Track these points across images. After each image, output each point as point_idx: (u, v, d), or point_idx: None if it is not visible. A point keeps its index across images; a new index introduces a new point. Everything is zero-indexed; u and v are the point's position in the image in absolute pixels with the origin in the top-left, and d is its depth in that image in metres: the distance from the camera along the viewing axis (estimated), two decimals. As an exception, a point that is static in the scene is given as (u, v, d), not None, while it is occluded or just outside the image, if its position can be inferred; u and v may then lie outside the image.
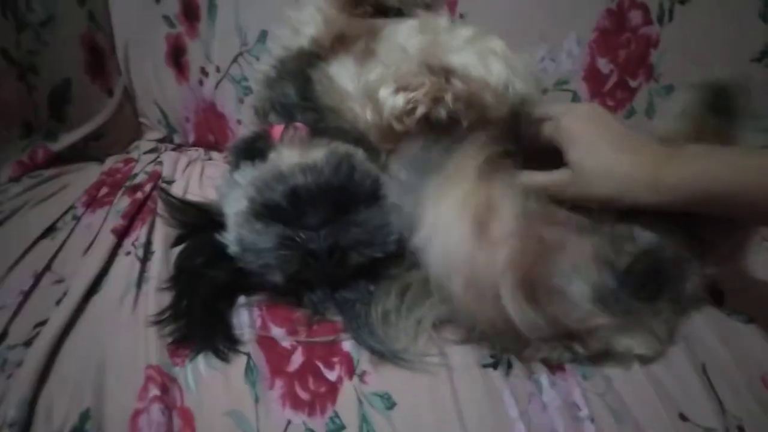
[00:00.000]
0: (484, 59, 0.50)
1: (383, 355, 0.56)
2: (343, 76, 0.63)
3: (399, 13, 0.68)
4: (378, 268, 0.59)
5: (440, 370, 0.56)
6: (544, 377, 0.57)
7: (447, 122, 0.52)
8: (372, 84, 0.54)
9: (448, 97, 0.50)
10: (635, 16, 0.95)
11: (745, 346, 0.60)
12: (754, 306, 0.64)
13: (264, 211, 0.57)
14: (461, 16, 0.92)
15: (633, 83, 0.97)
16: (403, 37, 0.54)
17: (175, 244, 0.64)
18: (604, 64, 0.96)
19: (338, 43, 0.64)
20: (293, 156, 0.58)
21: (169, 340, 0.56)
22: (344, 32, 0.64)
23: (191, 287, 0.60)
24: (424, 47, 0.52)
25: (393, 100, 0.52)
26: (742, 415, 0.55)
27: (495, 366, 0.58)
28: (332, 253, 0.56)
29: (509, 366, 0.58)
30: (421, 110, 0.51)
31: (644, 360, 0.58)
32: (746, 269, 0.68)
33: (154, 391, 0.52)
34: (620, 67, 0.96)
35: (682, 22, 0.95)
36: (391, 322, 0.58)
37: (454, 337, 0.58)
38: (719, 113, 0.61)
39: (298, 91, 0.65)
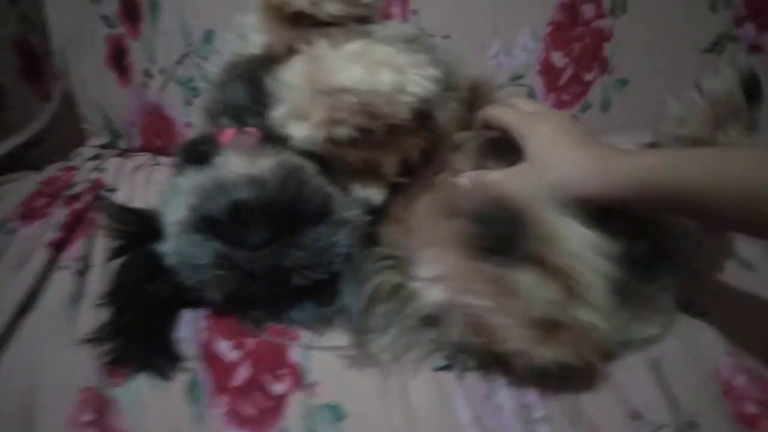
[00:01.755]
0: (371, 71, 0.50)
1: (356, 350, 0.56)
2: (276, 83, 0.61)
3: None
4: (324, 286, 0.57)
5: (391, 376, 0.55)
6: (499, 378, 0.56)
7: (363, 137, 0.52)
8: (278, 122, 0.54)
9: (344, 116, 0.50)
10: (588, 9, 0.95)
11: (697, 340, 0.60)
12: (708, 298, 0.64)
13: (202, 224, 0.53)
14: (413, 12, 0.91)
15: (587, 77, 0.97)
16: (292, 72, 0.54)
17: (115, 256, 0.61)
18: (558, 58, 0.96)
19: (291, 52, 0.62)
20: (240, 164, 0.55)
21: (106, 359, 0.53)
22: (291, 40, 0.63)
23: (130, 302, 0.57)
24: (311, 76, 0.52)
25: (298, 133, 0.52)
26: (694, 410, 0.54)
27: (448, 368, 0.57)
28: (273, 275, 0.53)
29: (463, 368, 0.56)
30: (319, 135, 0.51)
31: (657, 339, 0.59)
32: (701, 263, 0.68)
33: (88, 416, 0.49)
34: (575, 60, 0.96)
35: (634, 15, 0.96)
36: (383, 328, 0.57)
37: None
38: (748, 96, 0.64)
39: (249, 95, 0.62)
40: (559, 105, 0.97)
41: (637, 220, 0.58)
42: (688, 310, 0.63)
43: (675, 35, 0.98)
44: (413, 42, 0.64)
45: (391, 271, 0.58)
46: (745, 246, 0.72)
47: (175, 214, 0.56)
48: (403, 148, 0.56)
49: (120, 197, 0.78)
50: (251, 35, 0.68)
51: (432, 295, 0.55)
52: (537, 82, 0.96)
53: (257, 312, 0.58)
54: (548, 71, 0.96)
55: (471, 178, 0.61)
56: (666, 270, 0.60)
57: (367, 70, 0.50)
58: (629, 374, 0.57)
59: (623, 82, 0.98)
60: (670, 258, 0.60)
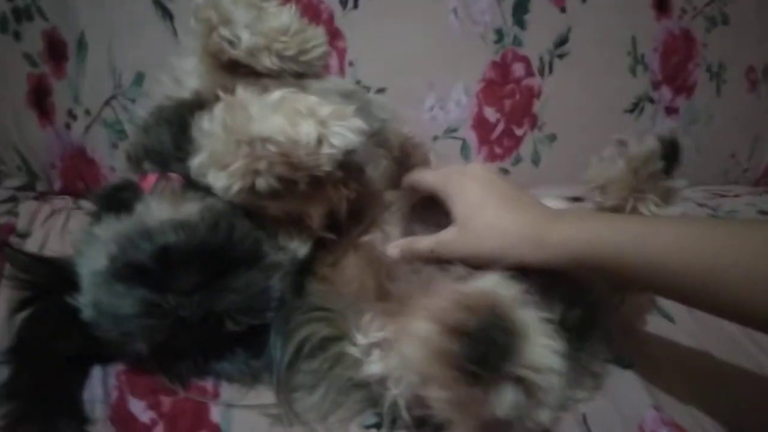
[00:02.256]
0: (291, 120, 0.49)
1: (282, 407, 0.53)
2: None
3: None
4: (255, 336, 0.54)
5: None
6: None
7: (284, 188, 0.50)
8: (198, 171, 0.52)
9: (263, 166, 0.48)
10: (518, 69, 0.99)
11: (624, 393, 0.61)
12: (633, 350, 0.65)
13: (126, 273, 0.50)
14: (350, 63, 0.92)
15: (518, 131, 1.01)
16: (212, 119, 0.52)
17: (19, 308, 0.55)
18: (491, 113, 1.00)
19: (217, 99, 0.60)
20: (163, 210, 0.53)
21: (3, 423, 0.48)
22: (224, 89, 0.62)
23: (33, 360, 0.52)
24: (232, 124, 0.50)
25: (216, 183, 0.50)
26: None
27: (378, 427, 0.54)
28: (206, 322, 0.50)
29: (394, 425, 0.54)
30: (238, 185, 0.49)
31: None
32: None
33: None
34: (506, 116, 1.00)
35: (561, 75, 1.01)
36: (311, 385, 0.55)
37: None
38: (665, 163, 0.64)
39: (173, 139, 0.60)
40: (492, 158, 1.00)
41: (565, 281, 0.57)
42: (615, 363, 0.64)
43: (598, 95, 1.03)
44: (349, 97, 0.65)
45: (319, 324, 0.56)
46: (664, 299, 0.74)
47: (91, 264, 0.53)
48: (328, 200, 0.55)
49: (31, 244, 0.73)
50: (185, 79, 0.66)
51: (371, 364, 0.53)
52: (470, 136, 0.99)
53: (180, 366, 0.54)
54: (481, 125, 0.99)
55: (401, 247, 0.60)
56: (596, 333, 0.60)
57: (288, 119, 0.49)
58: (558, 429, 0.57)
59: (552, 138, 1.02)
60: (597, 318, 0.60)
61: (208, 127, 0.51)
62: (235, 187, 0.49)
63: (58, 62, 0.83)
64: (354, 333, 0.54)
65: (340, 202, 0.55)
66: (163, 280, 0.49)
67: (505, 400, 0.46)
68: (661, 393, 0.61)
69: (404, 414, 0.52)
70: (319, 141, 0.49)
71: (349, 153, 0.50)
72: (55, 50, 0.83)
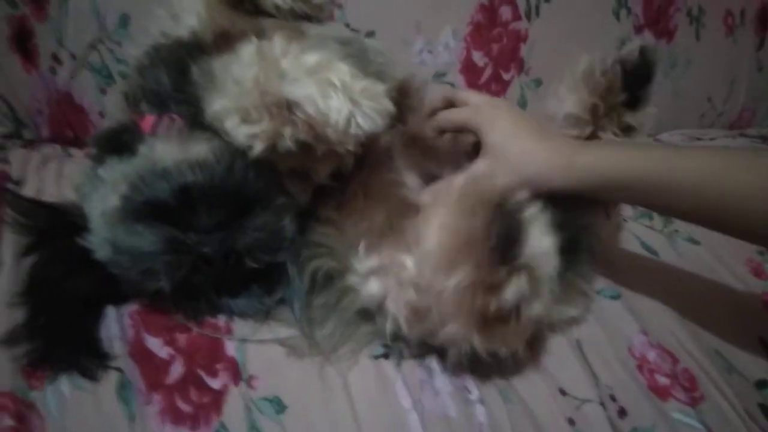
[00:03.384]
0: (324, 92, 0.48)
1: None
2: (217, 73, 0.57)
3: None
4: (267, 273, 0.56)
5: (330, 367, 0.55)
6: (434, 363, 0.58)
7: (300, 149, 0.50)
8: (216, 114, 0.51)
9: (288, 132, 0.48)
10: (506, 12, 1.00)
11: (613, 320, 0.65)
12: (620, 281, 0.69)
13: (147, 211, 0.51)
14: (339, 6, 0.91)
15: (506, 76, 1.02)
16: (241, 65, 0.51)
17: (27, 252, 0.56)
18: (479, 57, 1.00)
19: (222, 40, 0.59)
20: (172, 150, 0.53)
21: (24, 361, 0.50)
22: (228, 29, 0.60)
23: (48, 300, 0.53)
24: (262, 77, 0.49)
25: (238, 133, 0.50)
26: (614, 384, 0.59)
27: (386, 356, 0.57)
28: (227, 258, 0.52)
29: (401, 355, 0.58)
30: (260, 145, 0.49)
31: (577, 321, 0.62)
32: (612, 248, 0.74)
33: (7, 422, 0.46)
34: (494, 60, 1.01)
35: (547, 19, 1.01)
36: (321, 319, 0.57)
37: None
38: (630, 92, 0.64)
39: (173, 81, 0.59)
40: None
41: (558, 206, 0.59)
42: (603, 293, 0.68)
43: (583, 39, 1.04)
44: (348, 44, 0.65)
45: (322, 258, 0.58)
46: (648, 234, 0.78)
47: (100, 204, 0.53)
48: (338, 160, 0.55)
49: (27, 191, 0.72)
50: (184, 15, 0.64)
51: (369, 288, 0.55)
52: (459, 80, 0.99)
53: (194, 304, 0.55)
54: (469, 69, 1.00)
55: (435, 192, 0.61)
56: (583, 256, 0.64)
57: (321, 89, 0.48)
58: (554, 354, 0.61)
59: (538, 82, 1.04)
60: (585, 240, 0.63)
61: (238, 74, 0.50)
62: (258, 146, 0.49)
63: (39, 3, 0.80)
64: (353, 263, 0.56)
65: (348, 160, 0.55)
66: (184, 218, 0.50)
67: (520, 284, 0.50)
68: (647, 320, 0.65)
69: (405, 332, 0.54)
70: (348, 120, 0.48)
71: (371, 134, 0.50)
72: (35, -11, 0.80)
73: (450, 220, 0.53)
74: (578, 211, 0.61)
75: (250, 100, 0.49)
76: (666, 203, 0.55)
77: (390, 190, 0.61)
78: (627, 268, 0.72)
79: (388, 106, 0.50)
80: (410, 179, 0.64)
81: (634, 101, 0.64)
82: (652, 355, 0.62)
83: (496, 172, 0.58)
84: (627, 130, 0.65)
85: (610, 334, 0.63)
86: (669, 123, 1.16)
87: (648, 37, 1.09)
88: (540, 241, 0.52)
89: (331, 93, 0.48)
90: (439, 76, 0.98)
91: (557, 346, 0.62)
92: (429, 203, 0.57)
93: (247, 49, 0.52)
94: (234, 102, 0.50)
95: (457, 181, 0.57)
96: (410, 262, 0.54)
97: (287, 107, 0.48)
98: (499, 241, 0.50)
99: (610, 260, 0.71)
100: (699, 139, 1.14)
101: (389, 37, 0.93)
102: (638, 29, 1.08)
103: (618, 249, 0.76)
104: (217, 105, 0.51)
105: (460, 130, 0.64)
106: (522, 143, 0.58)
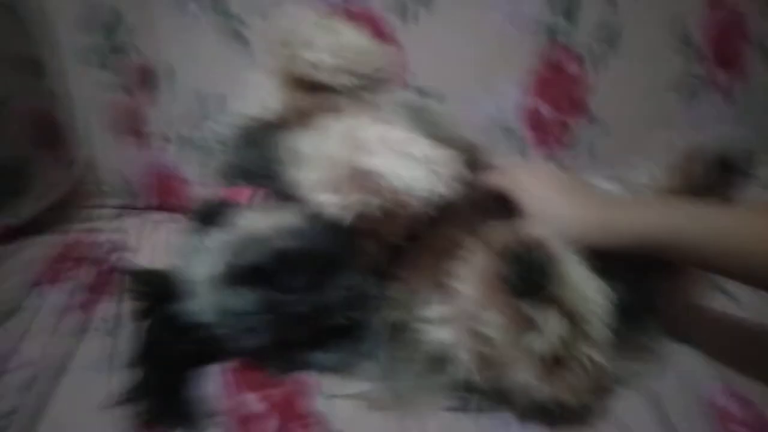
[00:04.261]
0: (407, 164, 0.53)
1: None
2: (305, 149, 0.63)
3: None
4: (351, 330, 0.60)
5: (410, 419, 0.58)
6: (509, 416, 0.60)
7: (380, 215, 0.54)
8: (307, 186, 0.56)
9: (375, 201, 0.53)
10: (570, 64, 1.02)
11: (691, 370, 0.65)
12: (698, 329, 0.69)
13: (249, 274, 0.57)
14: (411, 73, 0.96)
15: (571, 123, 1.03)
16: (332, 142, 0.56)
17: (141, 317, 0.63)
18: (544, 108, 1.02)
19: (302, 119, 0.66)
20: (267, 219, 0.59)
21: (140, 419, 0.55)
22: (307, 109, 0.67)
23: (159, 362, 0.59)
24: (351, 151, 0.54)
25: (326, 202, 0.54)
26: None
27: (464, 408, 0.60)
28: (318, 317, 0.57)
29: (477, 407, 0.60)
30: (350, 214, 0.53)
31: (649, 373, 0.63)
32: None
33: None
34: (558, 109, 1.02)
35: (611, 66, 1.02)
36: (398, 371, 0.60)
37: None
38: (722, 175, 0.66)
39: (262, 159, 0.66)
40: (548, 150, 1.03)
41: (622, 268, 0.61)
42: (681, 341, 0.67)
43: (648, 84, 1.04)
44: (418, 110, 0.70)
45: (399, 310, 0.61)
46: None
47: (204, 271, 0.60)
48: (413, 224, 0.59)
49: (141, 257, 0.82)
50: (268, 100, 0.72)
51: (440, 334, 0.58)
52: (525, 132, 1.02)
53: (286, 360, 0.61)
54: (535, 120, 1.02)
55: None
56: (649, 315, 0.64)
57: (404, 161, 0.53)
58: (629, 409, 0.61)
59: (604, 128, 1.04)
60: (651, 300, 0.64)
61: (327, 148, 0.55)
62: (348, 215, 0.54)
63: (151, 92, 0.92)
64: (421, 313, 0.59)
65: (422, 223, 0.59)
66: (282, 280, 0.56)
67: (550, 323, 0.51)
68: (728, 368, 0.64)
69: (477, 378, 0.56)
70: (427, 188, 0.53)
71: (447, 198, 0.54)
72: (147, 79, 0.91)
73: (480, 261, 0.55)
74: (645, 270, 0.62)
75: (339, 174, 0.54)
76: (708, 263, 0.55)
77: (454, 246, 0.65)
78: (704, 315, 0.71)
79: (465, 173, 0.55)
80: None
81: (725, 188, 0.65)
82: (733, 407, 0.61)
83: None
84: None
85: (689, 386, 0.63)
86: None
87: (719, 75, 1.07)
88: (571, 276, 0.53)
89: (413, 165, 0.53)
90: (505, 129, 1.01)
91: (632, 400, 0.62)
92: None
93: (337, 128, 0.57)
94: (325, 175, 0.55)
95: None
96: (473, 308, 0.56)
97: (374, 180, 0.53)
98: (518, 276, 0.52)
99: (687, 306, 0.70)
100: None
101: (458, 97, 0.97)
102: (706, 65, 1.06)
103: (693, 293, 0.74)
104: (308, 178, 0.56)
105: (499, 196, 0.66)
106: (557, 205, 0.60)
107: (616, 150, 1.03)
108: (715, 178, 0.65)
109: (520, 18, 0.98)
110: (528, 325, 0.52)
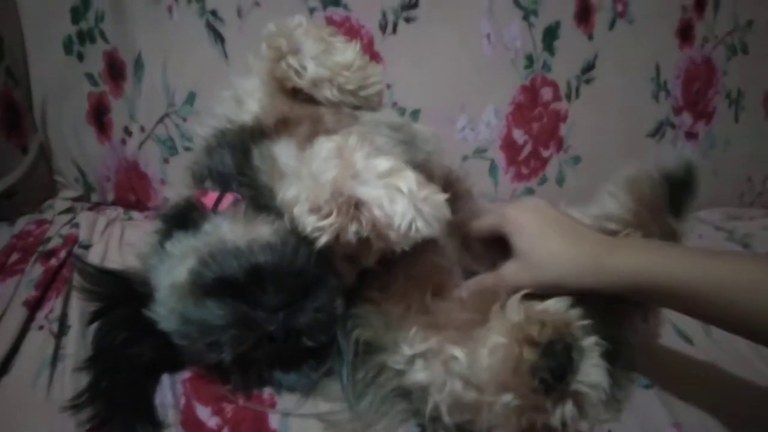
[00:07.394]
0: (392, 197, 0.51)
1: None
2: (284, 159, 0.62)
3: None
4: (317, 350, 0.59)
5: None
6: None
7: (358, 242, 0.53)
8: (288, 200, 0.54)
9: (353, 228, 0.51)
10: (546, 93, 1.04)
11: (645, 411, 0.65)
12: (653, 371, 0.69)
13: (217, 286, 0.54)
14: (388, 86, 0.96)
15: (545, 153, 1.06)
16: (320, 161, 0.54)
17: (93, 319, 0.60)
18: (519, 135, 1.04)
19: (281, 125, 0.64)
20: (239, 230, 0.57)
21: (87, 426, 0.53)
22: (287, 115, 0.65)
23: (111, 367, 0.57)
24: (337, 174, 0.52)
25: (305, 222, 0.53)
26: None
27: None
28: (288, 336, 0.55)
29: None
30: (325, 237, 0.52)
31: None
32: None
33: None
34: (533, 138, 1.04)
35: (587, 100, 1.05)
36: (359, 394, 0.59)
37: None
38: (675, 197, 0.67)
39: (236, 163, 0.64)
40: (519, 178, 1.05)
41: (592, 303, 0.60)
42: (637, 383, 0.68)
43: (622, 120, 1.08)
44: (398, 130, 0.69)
45: (365, 329, 0.60)
46: (684, 321, 0.79)
47: (168, 277, 0.57)
48: (388, 250, 0.56)
49: (93, 254, 0.78)
50: (247, 101, 0.70)
51: (415, 371, 0.57)
52: (499, 156, 1.03)
53: (245, 376, 0.58)
54: (509, 146, 1.04)
55: (470, 288, 0.63)
56: (621, 363, 0.63)
57: (390, 194, 0.51)
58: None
59: (576, 160, 1.07)
60: (623, 349, 0.63)
61: (315, 167, 0.54)
62: (324, 238, 0.52)
63: (117, 82, 0.88)
64: (398, 345, 0.58)
65: (397, 251, 0.57)
66: (253, 296, 0.54)
67: (565, 411, 0.51)
68: (681, 411, 0.65)
69: (446, 418, 0.56)
70: (409, 225, 0.51)
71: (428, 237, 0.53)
72: (115, 70, 0.88)
73: (503, 345, 0.53)
74: (616, 317, 0.62)
75: (322, 194, 0.52)
76: (698, 309, 0.56)
77: (430, 273, 0.64)
78: (660, 356, 0.72)
79: (448, 214, 0.53)
80: (450, 264, 0.67)
81: (678, 209, 0.66)
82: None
83: (523, 273, 0.59)
84: (670, 236, 0.66)
85: (642, 426, 0.63)
86: (708, 201, 1.16)
87: (686, 119, 1.11)
88: (592, 373, 0.52)
89: (397, 198, 0.51)
90: (479, 152, 1.03)
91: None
92: (469, 299, 0.60)
93: (327, 146, 0.55)
94: (307, 194, 0.53)
95: (486, 282, 0.60)
96: (461, 354, 0.55)
97: (355, 206, 0.51)
98: (550, 374, 0.51)
99: (643, 347, 0.71)
100: (738, 218, 1.14)
101: (434, 114, 0.98)
102: (677, 111, 1.11)
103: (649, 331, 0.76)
104: (290, 193, 0.54)
105: (491, 236, 0.65)
106: (549, 245, 0.59)
107: (585, 182, 1.06)
108: (663, 195, 0.66)
109: (502, 42, 0.99)
110: (540, 410, 0.51)
